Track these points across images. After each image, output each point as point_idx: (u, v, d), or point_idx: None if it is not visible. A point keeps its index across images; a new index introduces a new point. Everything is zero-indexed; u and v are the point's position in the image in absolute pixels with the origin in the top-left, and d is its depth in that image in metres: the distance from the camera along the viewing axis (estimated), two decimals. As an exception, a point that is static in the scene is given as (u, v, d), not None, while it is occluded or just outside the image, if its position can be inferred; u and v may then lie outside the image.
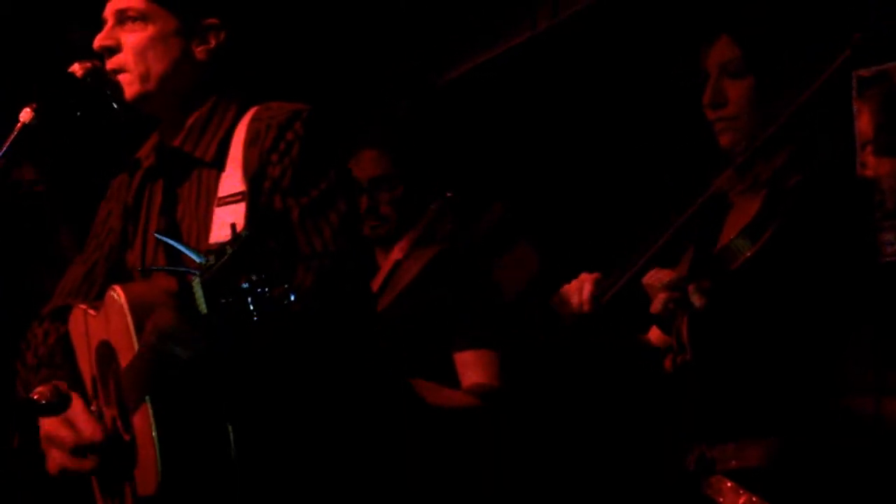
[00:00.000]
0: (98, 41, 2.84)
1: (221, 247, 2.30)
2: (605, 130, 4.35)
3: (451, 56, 4.85)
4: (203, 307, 2.33)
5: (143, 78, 2.82)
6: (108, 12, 2.85)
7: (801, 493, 2.78)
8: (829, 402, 2.85)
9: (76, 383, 2.84)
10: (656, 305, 2.84)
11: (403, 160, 3.85)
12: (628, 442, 4.19)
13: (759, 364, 2.83)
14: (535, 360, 4.33)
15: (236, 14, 2.89)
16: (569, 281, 3.03)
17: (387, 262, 3.80)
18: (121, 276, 2.90)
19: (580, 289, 2.94)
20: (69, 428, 2.73)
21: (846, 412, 2.89)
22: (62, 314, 2.95)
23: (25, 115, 2.82)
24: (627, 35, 4.24)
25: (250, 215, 2.66)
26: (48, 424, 2.75)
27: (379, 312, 3.51)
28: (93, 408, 2.79)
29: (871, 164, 3.07)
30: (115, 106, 2.85)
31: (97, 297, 2.88)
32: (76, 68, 2.84)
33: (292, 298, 2.28)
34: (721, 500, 2.83)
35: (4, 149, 2.81)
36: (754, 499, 2.80)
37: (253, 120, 2.80)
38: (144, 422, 2.60)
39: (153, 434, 2.57)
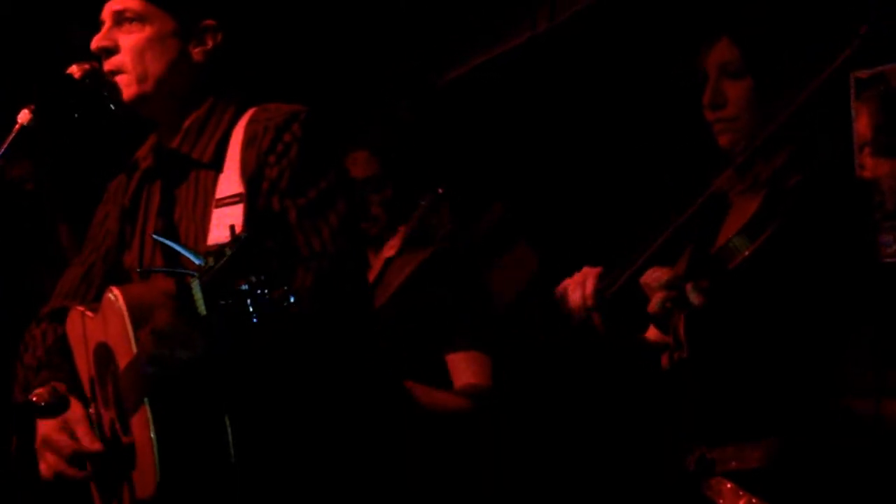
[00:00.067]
0: (95, 42, 2.84)
1: (220, 248, 2.30)
2: (605, 131, 4.34)
3: (450, 56, 4.85)
4: (202, 309, 2.33)
5: (141, 79, 2.82)
6: (106, 14, 2.85)
7: (801, 495, 2.78)
8: (828, 403, 2.85)
9: (75, 385, 2.84)
10: (654, 304, 2.84)
11: (393, 161, 3.85)
12: (628, 443, 4.19)
13: (759, 365, 2.83)
14: (535, 360, 4.34)
15: (234, 15, 2.89)
16: (569, 280, 3.03)
17: (378, 260, 3.80)
18: (118, 277, 2.90)
19: (583, 283, 2.93)
20: (67, 434, 2.73)
21: (846, 413, 2.88)
22: (60, 315, 2.95)
23: (23, 116, 2.83)
24: (627, 36, 4.24)
25: (248, 217, 2.65)
26: (46, 427, 2.75)
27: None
28: (91, 410, 2.79)
29: (870, 166, 3.06)
30: (113, 107, 2.85)
31: (95, 299, 2.88)
32: (74, 70, 2.84)
33: (291, 300, 2.28)
34: (721, 501, 2.83)
35: (3, 150, 2.81)
36: (754, 500, 2.79)
37: (251, 121, 2.80)
38: (143, 424, 2.59)
39: (151, 436, 2.57)
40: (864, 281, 2.86)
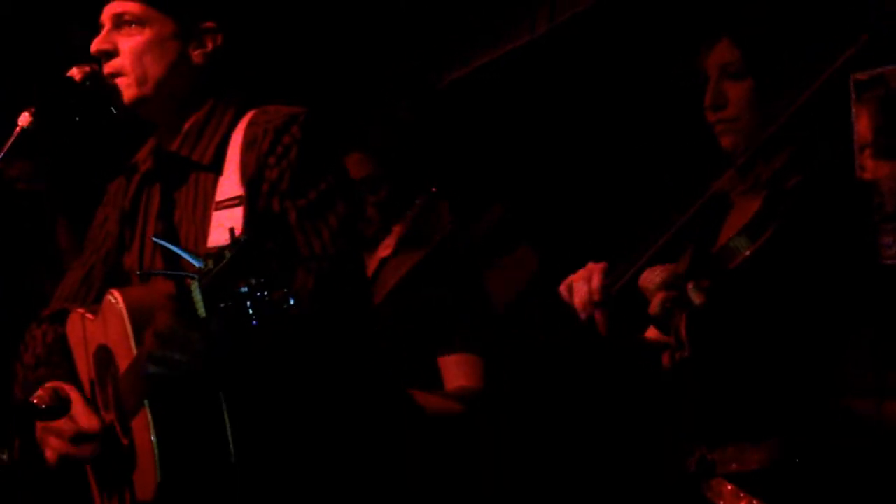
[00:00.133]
0: (95, 45, 2.84)
1: (220, 251, 2.30)
2: (606, 132, 4.34)
3: (450, 58, 4.84)
4: (202, 311, 2.33)
5: (141, 82, 2.82)
6: (106, 16, 2.85)
7: (802, 496, 2.78)
8: (829, 405, 2.85)
9: (74, 382, 2.84)
10: (654, 305, 2.84)
11: (390, 162, 3.85)
12: (629, 444, 4.19)
13: (760, 365, 2.83)
14: (535, 360, 4.33)
15: (233, 17, 2.89)
16: (570, 282, 3.03)
17: (372, 261, 3.79)
18: (118, 280, 2.90)
19: (589, 277, 2.93)
20: (68, 417, 2.73)
21: (847, 414, 2.88)
22: (61, 317, 2.95)
23: (24, 119, 2.83)
24: (627, 37, 4.24)
25: (248, 219, 2.65)
26: None
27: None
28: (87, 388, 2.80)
29: (870, 167, 3.06)
30: (114, 110, 2.85)
31: (95, 301, 2.88)
32: (74, 72, 2.84)
33: (291, 302, 2.28)
34: (721, 502, 2.83)
35: (3, 153, 2.81)
36: (754, 502, 2.79)
37: (250, 123, 2.80)
38: (143, 426, 2.60)
39: (152, 438, 2.57)
40: (864, 282, 2.86)
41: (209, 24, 2.84)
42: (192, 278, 2.33)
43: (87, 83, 2.84)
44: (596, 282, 2.91)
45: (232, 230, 2.32)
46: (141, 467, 2.65)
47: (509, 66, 4.62)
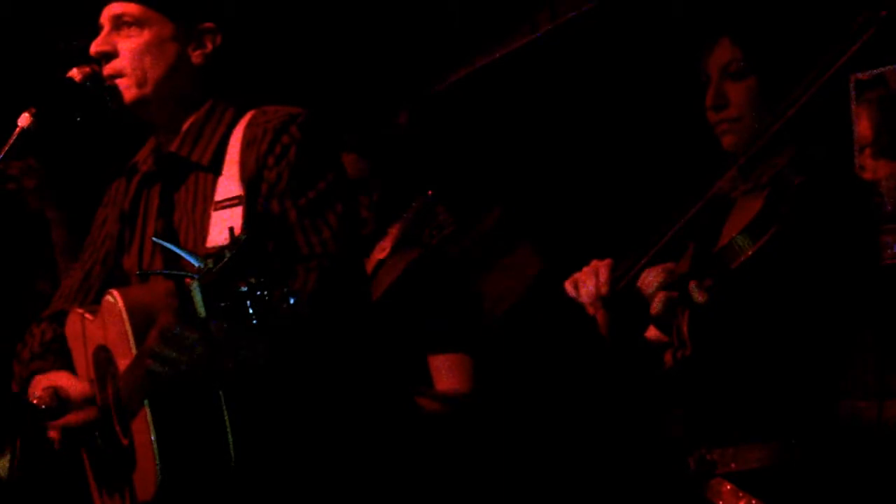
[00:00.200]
0: (95, 47, 2.84)
1: (220, 250, 2.30)
2: (607, 133, 4.34)
3: (450, 59, 4.84)
4: (202, 311, 2.32)
5: (140, 82, 2.82)
6: (105, 18, 2.85)
7: (802, 497, 2.77)
8: (830, 406, 2.84)
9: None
10: (656, 306, 2.84)
11: (386, 164, 3.85)
12: (629, 444, 4.18)
13: (760, 366, 2.82)
14: (535, 360, 4.33)
15: (232, 18, 2.89)
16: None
17: (369, 262, 3.79)
18: (118, 280, 2.90)
19: (595, 273, 2.93)
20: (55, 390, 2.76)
21: (847, 415, 2.88)
22: (60, 318, 2.95)
23: (24, 119, 2.83)
24: (627, 37, 4.24)
25: (248, 219, 2.66)
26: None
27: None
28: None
29: (870, 167, 3.06)
30: (114, 110, 2.85)
31: (94, 302, 2.88)
32: (74, 73, 2.85)
33: (292, 301, 2.28)
34: (720, 502, 2.83)
35: (3, 153, 2.82)
36: (753, 502, 2.79)
37: (249, 124, 2.80)
38: (143, 426, 2.59)
39: (152, 438, 2.57)
40: (865, 282, 2.86)
41: (208, 25, 2.85)
42: (193, 278, 2.33)
43: (87, 84, 2.84)
44: (603, 275, 2.91)
45: (232, 230, 2.32)
46: (141, 467, 2.65)
47: (510, 67, 4.62)
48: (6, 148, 2.84)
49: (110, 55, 2.83)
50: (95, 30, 2.86)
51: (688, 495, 2.89)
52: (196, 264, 2.33)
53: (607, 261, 2.94)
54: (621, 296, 2.90)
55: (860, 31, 2.66)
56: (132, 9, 2.82)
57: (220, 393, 2.59)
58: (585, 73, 4.36)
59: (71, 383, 2.81)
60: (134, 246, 2.91)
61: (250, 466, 2.62)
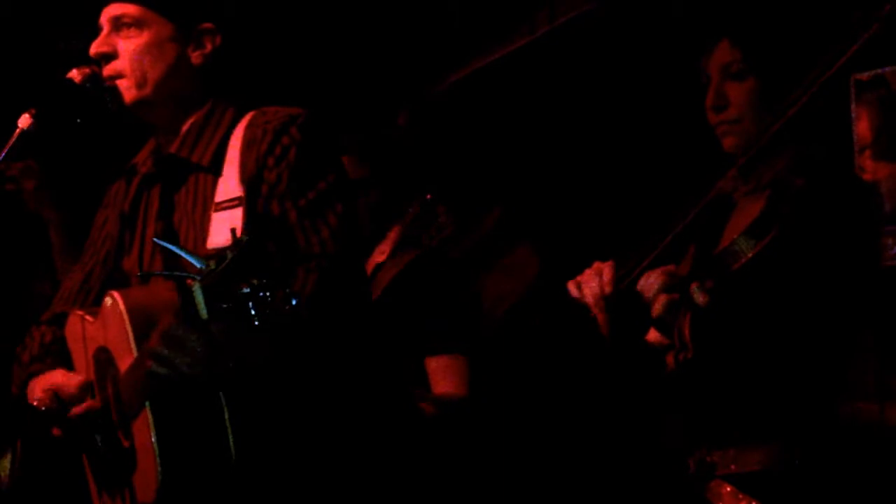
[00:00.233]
0: (94, 48, 2.84)
1: (222, 252, 2.30)
2: (607, 134, 4.34)
3: (449, 60, 4.84)
4: (204, 312, 2.32)
5: (140, 84, 2.82)
6: (104, 19, 2.85)
7: (802, 499, 2.77)
8: (830, 407, 2.84)
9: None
10: (657, 308, 2.84)
11: (385, 166, 3.84)
12: (629, 445, 4.18)
13: (761, 367, 2.82)
14: (535, 361, 4.33)
15: (232, 18, 2.89)
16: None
17: (368, 265, 3.79)
18: (118, 282, 2.90)
19: (599, 273, 2.93)
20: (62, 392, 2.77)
21: (848, 417, 2.88)
22: (60, 320, 2.95)
23: (24, 120, 2.83)
24: (627, 38, 4.24)
25: (248, 220, 2.66)
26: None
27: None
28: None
29: (870, 168, 3.06)
30: (114, 112, 2.85)
31: (94, 304, 2.88)
32: (74, 74, 2.85)
33: (293, 302, 2.28)
34: (720, 504, 2.83)
35: (3, 154, 2.82)
36: (753, 503, 2.79)
37: (249, 125, 2.80)
38: (144, 427, 2.59)
39: (153, 440, 2.57)
40: (866, 284, 2.86)
41: (208, 26, 2.85)
42: (194, 279, 2.33)
43: (87, 85, 2.84)
44: (607, 275, 2.91)
45: (233, 231, 2.32)
46: (141, 469, 2.64)
47: (510, 68, 4.62)
48: (6, 149, 2.84)
49: (110, 56, 2.83)
50: (95, 31, 2.86)
51: (688, 497, 2.89)
52: (198, 265, 2.33)
53: (609, 262, 2.94)
54: (623, 297, 2.90)
55: (862, 28, 2.66)
56: (132, 10, 2.82)
57: (222, 394, 2.59)
58: (585, 73, 4.36)
59: (67, 379, 2.81)
60: (134, 247, 2.91)
61: (251, 468, 2.62)
